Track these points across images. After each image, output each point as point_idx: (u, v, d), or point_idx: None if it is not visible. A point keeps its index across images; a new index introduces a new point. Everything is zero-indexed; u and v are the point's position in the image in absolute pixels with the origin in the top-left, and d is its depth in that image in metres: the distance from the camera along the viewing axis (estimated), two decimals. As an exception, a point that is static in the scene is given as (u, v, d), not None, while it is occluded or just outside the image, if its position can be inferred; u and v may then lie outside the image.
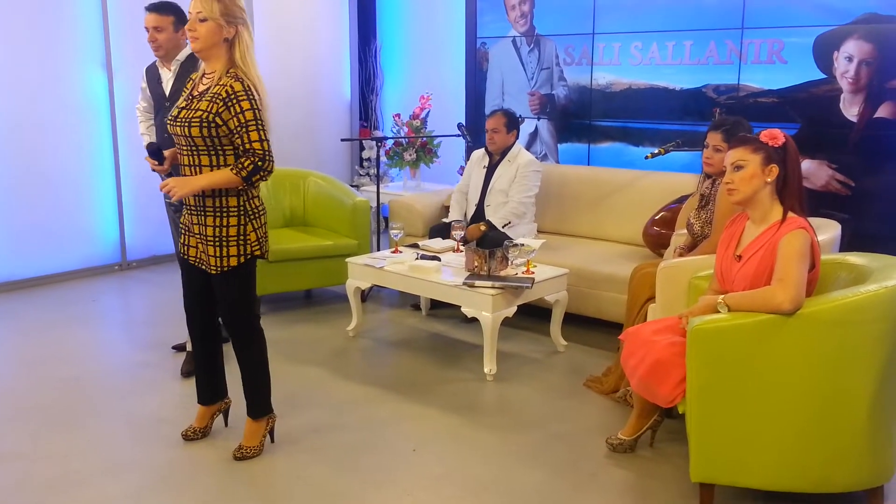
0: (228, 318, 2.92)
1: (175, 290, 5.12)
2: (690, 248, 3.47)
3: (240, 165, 2.71)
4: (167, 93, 3.62)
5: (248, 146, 2.70)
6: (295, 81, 6.59)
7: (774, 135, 2.59)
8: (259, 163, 2.70)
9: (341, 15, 6.96)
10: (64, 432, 3.18)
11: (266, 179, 2.75)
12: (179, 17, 3.58)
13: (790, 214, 2.59)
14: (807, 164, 4.39)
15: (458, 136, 5.40)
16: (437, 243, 4.45)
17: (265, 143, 2.72)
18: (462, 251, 4.19)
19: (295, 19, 6.61)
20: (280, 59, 6.43)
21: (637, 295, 3.54)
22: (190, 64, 3.59)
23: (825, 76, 4.42)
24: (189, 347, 3.85)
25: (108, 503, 2.68)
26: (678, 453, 2.99)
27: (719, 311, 2.55)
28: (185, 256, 2.95)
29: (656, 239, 4.24)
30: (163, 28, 3.54)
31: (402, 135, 6.15)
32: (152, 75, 3.73)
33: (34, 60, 5.15)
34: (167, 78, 3.64)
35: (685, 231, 3.57)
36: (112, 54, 5.47)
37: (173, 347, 4.08)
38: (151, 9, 3.56)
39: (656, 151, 4.31)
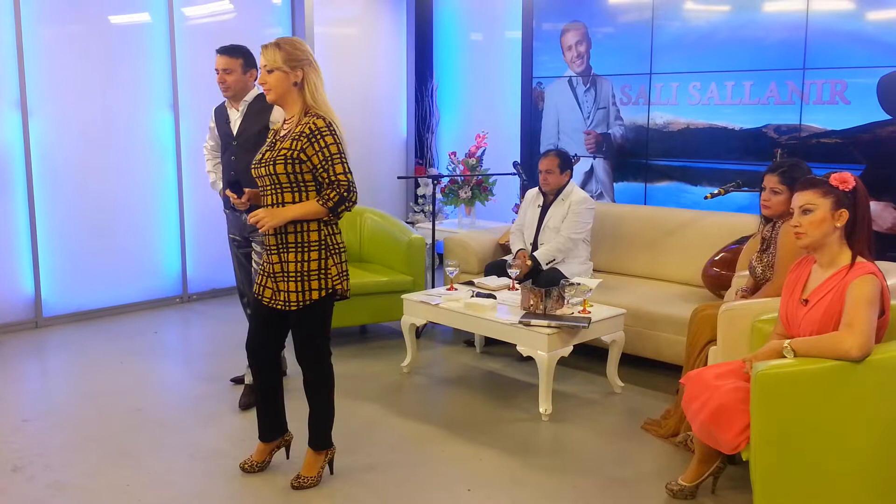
0: (302, 353, 2.95)
1: (233, 323, 5.27)
2: (753, 291, 3.41)
3: (326, 197, 2.80)
4: (234, 132, 3.74)
5: (333, 178, 2.79)
6: (353, 119, 6.71)
7: (845, 178, 2.55)
8: (344, 194, 2.81)
9: (399, 55, 7.11)
10: (125, 463, 3.25)
11: (350, 210, 2.85)
12: (248, 60, 3.71)
13: (859, 259, 2.53)
14: (872, 206, 4.27)
15: (514, 174, 5.43)
16: (493, 281, 4.46)
17: (349, 175, 2.83)
18: (517, 289, 4.19)
19: (354, 60, 6.77)
20: (339, 97, 6.54)
21: (697, 337, 3.48)
22: (257, 104, 3.71)
23: (890, 117, 4.34)
24: (247, 380, 3.90)
25: (168, 534, 2.73)
26: (741, 501, 2.91)
27: (785, 357, 2.50)
28: (260, 297, 2.97)
29: (716, 280, 4.18)
30: (232, 70, 3.66)
31: (458, 173, 6.20)
32: (220, 115, 3.85)
33: (107, 103, 5.36)
34: (235, 118, 3.76)
35: (747, 273, 3.52)
36: (179, 96, 5.66)
37: (231, 380, 4.15)
38: (222, 51, 3.69)
39: (716, 192, 4.27)
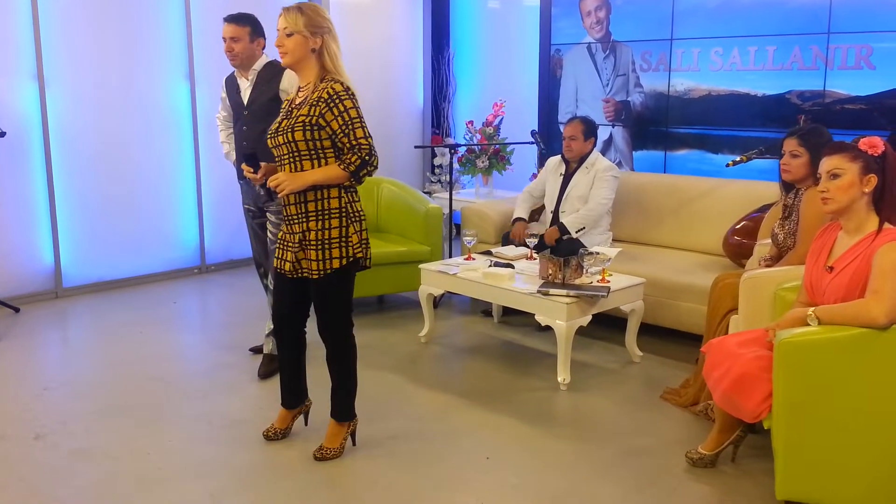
0: (324, 323, 2.93)
1: (251, 294, 5.29)
2: (776, 259, 3.37)
3: (347, 161, 2.77)
4: (245, 101, 3.70)
5: (353, 143, 2.75)
6: (369, 89, 6.66)
7: (874, 143, 2.49)
8: (366, 157, 2.77)
9: (415, 23, 7.02)
10: (146, 430, 3.27)
11: (372, 174, 2.82)
12: (255, 28, 3.66)
13: (886, 225, 2.48)
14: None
15: (531, 143, 5.38)
16: (511, 250, 4.43)
17: (370, 139, 2.78)
18: (535, 259, 4.16)
19: (370, 28, 6.70)
20: (355, 67, 6.46)
21: (718, 306, 3.45)
22: (266, 73, 3.67)
23: (918, 82, 4.24)
24: (266, 350, 3.92)
25: (188, 502, 2.75)
26: (761, 470, 2.90)
27: (809, 325, 2.46)
28: (281, 270, 2.95)
29: (737, 249, 4.13)
30: (239, 38, 3.62)
31: (475, 142, 6.15)
32: (231, 85, 3.82)
33: (123, 73, 5.33)
34: (245, 87, 3.72)
35: (769, 241, 3.47)
36: (195, 66, 5.63)
37: (251, 350, 4.16)
38: (229, 20, 3.64)
39: (738, 159, 4.21)
